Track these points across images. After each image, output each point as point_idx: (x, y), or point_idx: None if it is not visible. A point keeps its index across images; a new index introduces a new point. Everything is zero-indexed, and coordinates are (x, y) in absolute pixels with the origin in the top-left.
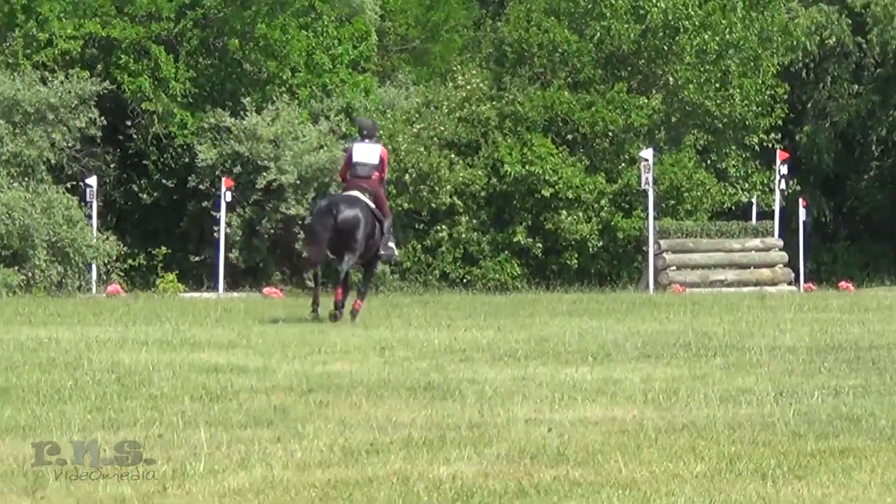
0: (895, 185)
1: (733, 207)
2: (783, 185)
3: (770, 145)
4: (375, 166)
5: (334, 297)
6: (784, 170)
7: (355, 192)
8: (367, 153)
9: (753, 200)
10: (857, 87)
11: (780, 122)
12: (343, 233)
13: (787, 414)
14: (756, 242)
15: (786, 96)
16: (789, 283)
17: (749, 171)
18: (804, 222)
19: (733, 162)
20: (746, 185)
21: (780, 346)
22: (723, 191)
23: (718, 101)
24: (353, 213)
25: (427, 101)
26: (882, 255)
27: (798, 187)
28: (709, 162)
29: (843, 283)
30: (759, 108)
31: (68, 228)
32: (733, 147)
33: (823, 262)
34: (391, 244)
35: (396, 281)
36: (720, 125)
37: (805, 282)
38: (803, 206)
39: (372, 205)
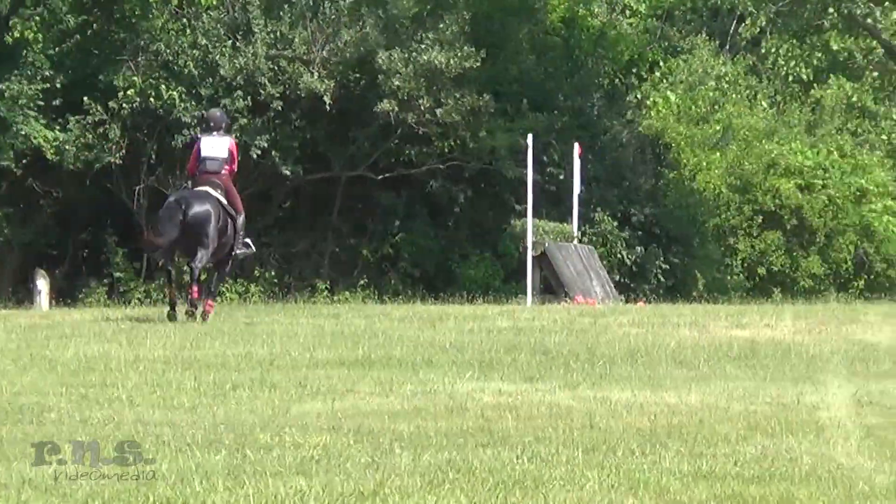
0: None
1: None
2: None
3: None
4: (225, 160)
5: (189, 296)
6: None
7: (206, 188)
8: (215, 146)
9: None
10: None
11: None
12: (193, 229)
13: None
14: None
15: None
16: None
17: None
18: None
19: None
20: None
21: None
22: None
23: None
24: (204, 208)
25: None
26: None
27: None
28: None
29: None
30: None
31: None
32: None
33: None
34: (247, 241)
35: None
36: None
37: None
38: None
39: (224, 200)
